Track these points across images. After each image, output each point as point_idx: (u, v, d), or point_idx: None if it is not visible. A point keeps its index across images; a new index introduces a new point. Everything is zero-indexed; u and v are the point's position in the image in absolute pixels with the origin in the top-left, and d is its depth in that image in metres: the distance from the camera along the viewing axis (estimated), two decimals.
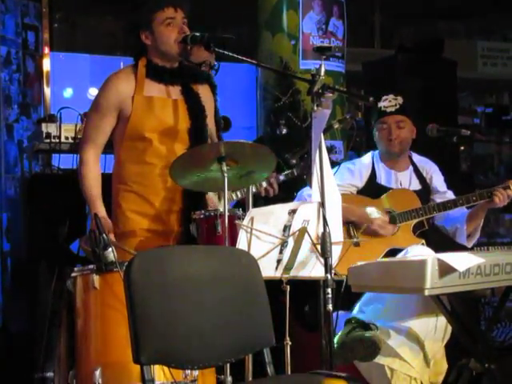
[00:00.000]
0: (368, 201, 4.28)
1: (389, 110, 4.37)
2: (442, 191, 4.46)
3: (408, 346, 3.80)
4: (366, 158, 4.47)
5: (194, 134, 3.68)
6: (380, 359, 3.78)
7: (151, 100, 3.61)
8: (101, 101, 3.64)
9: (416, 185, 4.42)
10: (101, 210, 3.56)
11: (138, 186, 3.62)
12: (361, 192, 4.38)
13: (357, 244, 4.15)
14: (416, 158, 4.51)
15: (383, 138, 4.40)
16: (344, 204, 4.06)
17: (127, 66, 3.70)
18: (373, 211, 4.22)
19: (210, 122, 3.80)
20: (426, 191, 4.43)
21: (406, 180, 4.42)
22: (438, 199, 4.41)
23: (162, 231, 3.65)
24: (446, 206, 4.22)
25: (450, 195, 4.43)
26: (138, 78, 3.61)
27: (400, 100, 4.38)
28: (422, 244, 4.10)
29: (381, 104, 4.36)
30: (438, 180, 4.48)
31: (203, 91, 3.77)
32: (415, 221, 4.23)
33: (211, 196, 3.82)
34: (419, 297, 3.74)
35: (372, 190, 4.34)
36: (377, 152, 4.48)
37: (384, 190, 4.34)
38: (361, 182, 4.38)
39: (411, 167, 4.47)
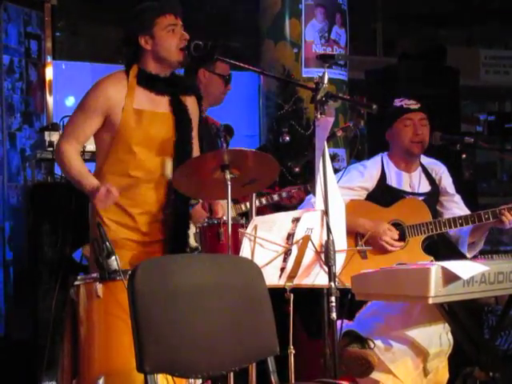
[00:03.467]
0: (377, 209, 4.22)
1: (412, 107, 4.33)
2: (451, 193, 4.38)
3: (403, 363, 3.77)
4: (376, 160, 4.38)
5: (180, 147, 3.66)
6: (375, 375, 3.76)
7: (141, 114, 3.57)
8: (89, 102, 3.60)
9: (426, 186, 4.35)
10: (95, 182, 3.49)
11: (120, 197, 3.54)
12: (371, 195, 4.30)
13: (364, 256, 4.13)
14: (424, 159, 4.43)
15: (407, 134, 4.29)
16: (354, 216, 4.05)
17: (119, 71, 3.65)
18: (383, 225, 4.16)
19: (194, 134, 3.78)
20: (435, 193, 4.36)
21: (415, 181, 4.33)
22: (446, 202, 4.36)
23: (144, 242, 3.63)
24: (458, 222, 4.12)
25: (458, 199, 4.37)
26: (128, 88, 3.59)
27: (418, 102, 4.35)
28: (431, 261, 4.04)
29: (402, 103, 4.33)
30: (447, 181, 4.39)
31: (190, 103, 3.75)
32: (425, 236, 4.18)
33: (199, 209, 3.80)
34: (421, 307, 3.72)
35: (383, 192, 4.27)
36: (386, 154, 4.39)
37: (395, 192, 4.27)
38: (371, 184, 4.29)
39: (420, 168, 4.39)
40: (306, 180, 4.12)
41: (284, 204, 4.56)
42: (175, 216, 3.64)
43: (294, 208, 4.23)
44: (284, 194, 4.49)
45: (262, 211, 4.22)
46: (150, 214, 3.63)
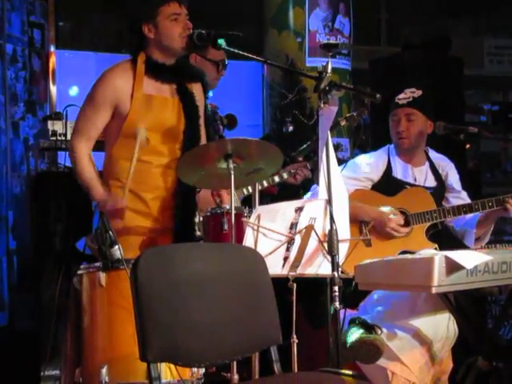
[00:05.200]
0: (382, 198, 4.23)
1: (401, 102, 4.33)
2: (457, 190, 4.38)
3: (410, 350, 3.78)
4: (382, 152, 4.40)
5: (189, 133, 3.66)
6: (382, 362, 3.76)
7: (151, 98, 3.59)
8: (97, 96, 3.60)
9: (431, 181, 4.35)
10: (102, 190, 3.55)
11: (132, 182, 3.58)
12: (376, 186, 4.31)
13: (368, 244, 4.13)
14: (433, 154, 4.43)
15: (393, 130, 4.33)
16: (359, 203, 4.06)
17: (124, 61, 3.66)
18: (388, 212, 4.17)
19: (201, 121, 3.78)
20: (441, 188, 4.36)
21: (421, 176, 4.34)
22: (452, 198, 4.36)
23: (155, 229, 3.64)
24: (462, 210, 4.14)
25: (465, 195, 4.37)
26: (136, 75, 3.59)
27: (417, 94, 4.31)
28: (435, 248, 4.04)
29: (398, 97, 4.32)
30: (453, 177, 4.40)
31: (196, 90, 3.76)
32: (429, 224, 4.18)
33: (203, 196, 3.80)
34: (426, 296, 3.72)
35: (388, 183, 4.28)
36: (392, 146, 4.40)
37: (400, 184, 4.28)
38: (376, 176, 4.30)
39: (427, 163, 4.39)
40: (308, 157, 4.11)
41: (290, 182, 4.54)
42: (185, 203, 3.66)
43: (300, 186, 4.22)
44: (285, 175, 4.45)
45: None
46: (161, 199, 3.65)
